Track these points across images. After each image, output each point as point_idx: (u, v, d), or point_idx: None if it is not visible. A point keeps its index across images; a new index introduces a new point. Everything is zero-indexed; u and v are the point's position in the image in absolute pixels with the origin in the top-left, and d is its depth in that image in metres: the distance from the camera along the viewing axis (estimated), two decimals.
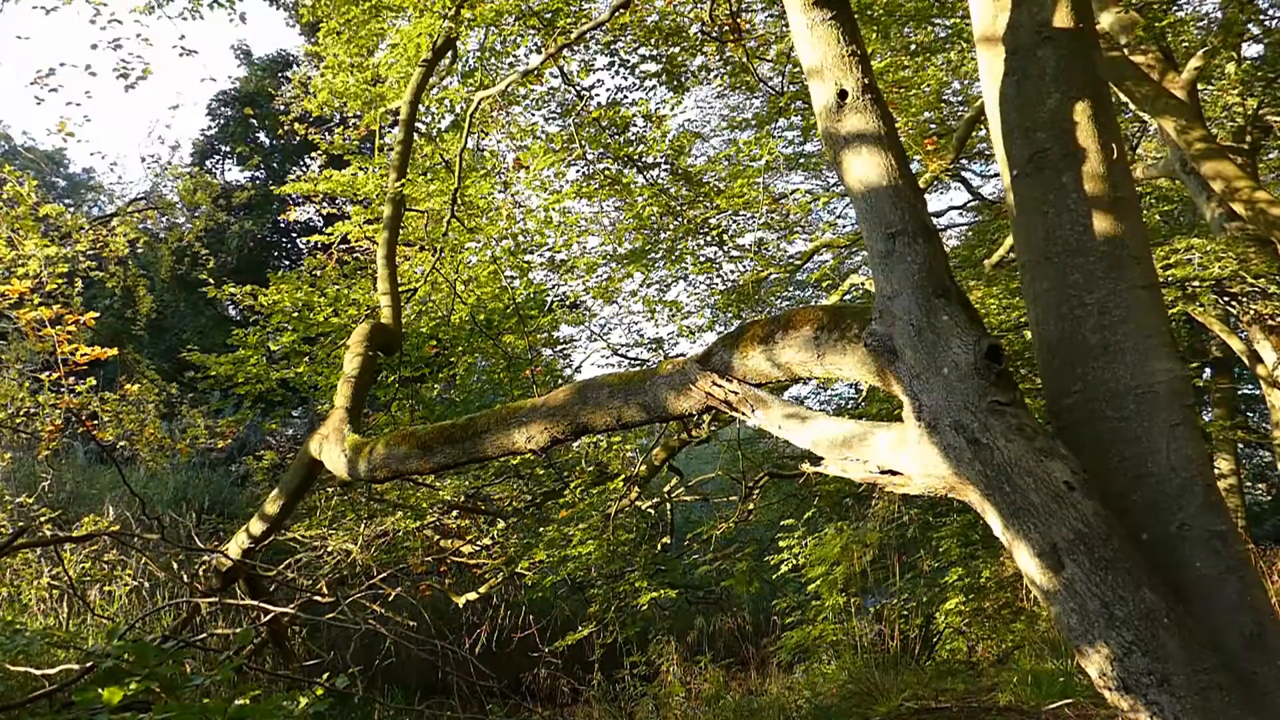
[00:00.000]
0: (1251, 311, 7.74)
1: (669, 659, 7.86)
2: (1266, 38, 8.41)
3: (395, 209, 6.82)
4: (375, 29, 7.93)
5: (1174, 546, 2.31)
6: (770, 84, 7.94)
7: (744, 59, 7.40)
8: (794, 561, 8.33)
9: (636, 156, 8.67)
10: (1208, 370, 12.55)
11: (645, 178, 9.00)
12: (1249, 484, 14.97)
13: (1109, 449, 2.41)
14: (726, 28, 6.84)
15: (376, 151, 9.44)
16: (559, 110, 9.25)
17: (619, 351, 10.32)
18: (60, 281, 7.23)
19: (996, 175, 11.65)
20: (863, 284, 9.43)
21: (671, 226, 9.78)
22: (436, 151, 8.99)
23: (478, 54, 7.92)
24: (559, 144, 8.67)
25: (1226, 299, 7.74)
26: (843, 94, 2.58)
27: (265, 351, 9.35)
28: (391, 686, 8.17)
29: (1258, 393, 11.66)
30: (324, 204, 11.70)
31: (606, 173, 8.92)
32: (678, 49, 7.68)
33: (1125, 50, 6.81)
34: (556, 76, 7.76)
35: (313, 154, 13.51)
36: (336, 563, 7.34)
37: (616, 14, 6.55)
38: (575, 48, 7.14)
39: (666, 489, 9.54)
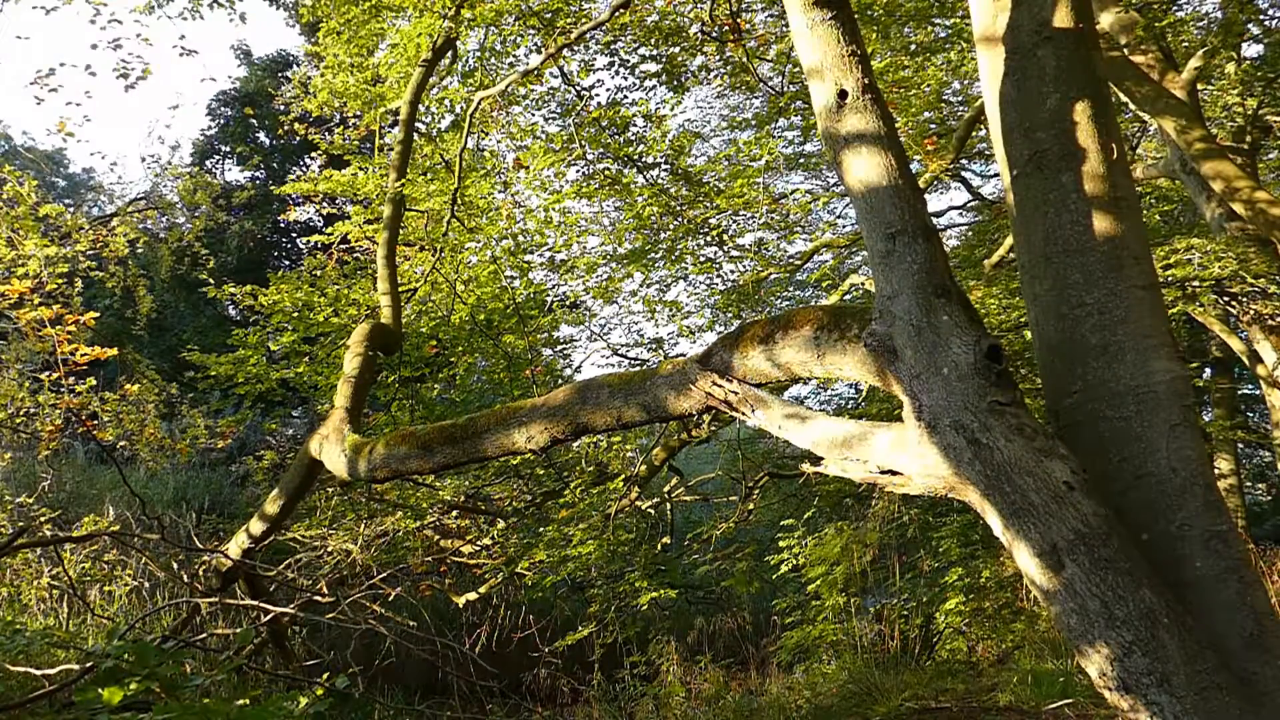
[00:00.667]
0: (1251, 311, 7.74)
1: (669, 659, 7.86)
2: (1266, 38, 8.41)
3: (395, 209, 6.82)
4: (375, 29, 7.93)
5: (1174, 546, 2.31)
6: (770, 84, 7.94)
7: (744, 59, 7.40)
8: (794, 561, 8.33)
9: (636, 156, 8.67)
10: (1208, 370, 12.54)
11: (645, 178, 9.00)
12: (1249, 484, 14.97)
13: (1109, 449, 2.41)
14: (726, 28, 6.84)
15: (376, 151, 9.45)
16: (559, 110, 9.25)
17: (619, 351, 10.33)
18: (60, 281, 7.23)
19: (996, 175, 11.65)
20: (863, 284, 9.43)
21: (671, 226, 9.78)
22: (436, 151, 9.00)
23: (478, 54, 7.92)
24: (559, 144, 8.67)
25: (1226, 299, 7.74)
26: (843, 94, 2.58)
27: (265, 351, 9.36)
28: (391, 686, 8.16)
29: (1258, 393, 11.67)
30: (324, 204, 11.70)
31: (606, 173, 8.92)
32: (678, 49, 7.68)
33: (1125, 50, 6.81)
34: (556, 76, 7.77)
35: (313, 154, 13.53)
36: (336, 563, 7.34)
37: (616, 14, 6.55)
38: (575, 48, 7.14)
39: (666, 489, 9.54)
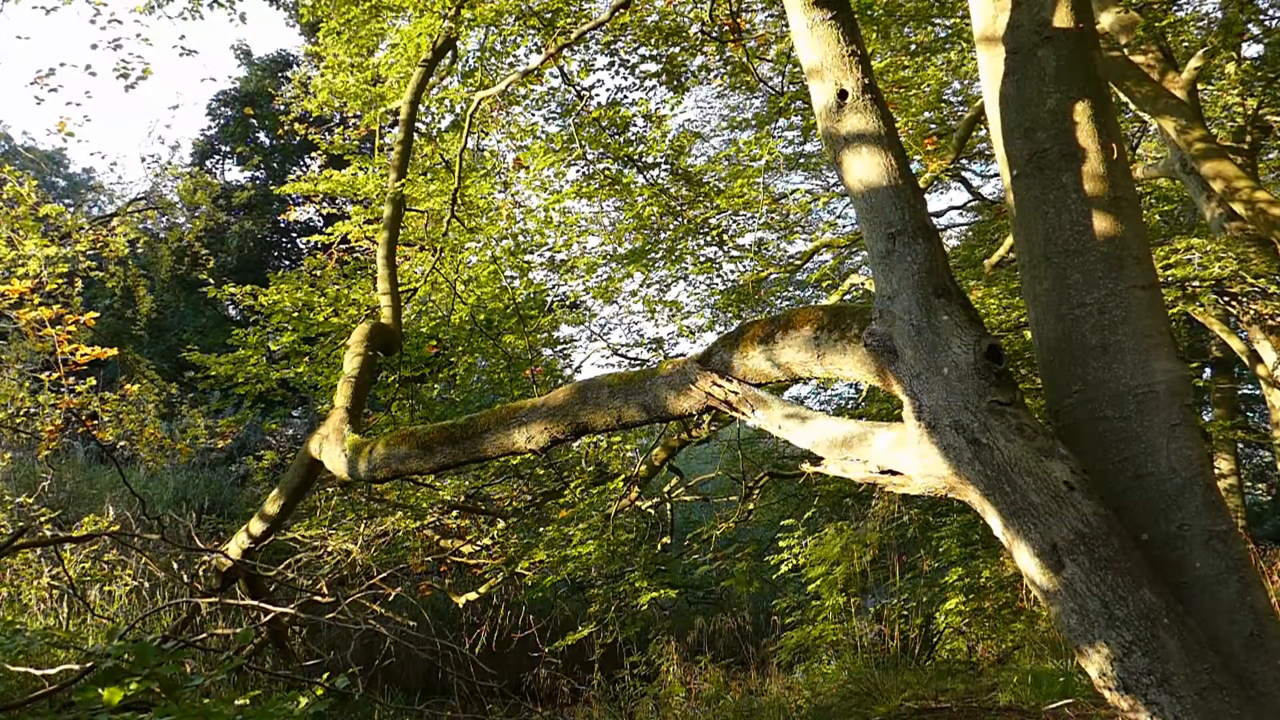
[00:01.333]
0: (1251, 311, 7.74)
1: (669, 659, 7.85)
2: (1266, 38, 8.41)
3: (395, 209, 6.82)
4: (375, 29, 7.93)
5: (1174, 546, 2.31)
6: (770, 84, 7.94)
7: (744, 59, 7.40)
8: (794, 561, 8.32)
9: (636, 156, 8.67)
10: (1208, 370, 12.55)
11: (645, 178, 9.00)
12: (1249, 484, 14.98)
13: (1109, 449, 2.41)
14: (726, 28, 6.84)
15: (376, 151, 9.44)
16: (559, 110, 9.26)
17: (619, 351, 10.33)
18: (60, 281, 7.23)
19: (996, 175, 11.65)
20: (863, 284, 9.43)
21: (671, 226, 9.78)
22: (436, 151, 8.99)
23: (478, 54, 7.92)
24: (559, 144, 8.67)
25: (1226, 299, 7.74)
26: (843, 94, 2.58)
27: (265, 351, 9.35)
28: (391, 686, 8.17)
29: (1258, 393, 11.67)
30: (324, 204, 11.69)
31: (606, 173, 8.92)
32: (678, 49, 7.68)
33: (1125, 50, 6.81)
34: (556, 76, 7.77)
35: (313, 154, 13.53)
36: (336, 563, 7.34)
37: (616, 14, 6.55)
38: (575, 48, 7.14)
39: (666, 489, 9.54)
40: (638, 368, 6.28)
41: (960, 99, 11.10)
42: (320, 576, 7.06)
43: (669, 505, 9.32)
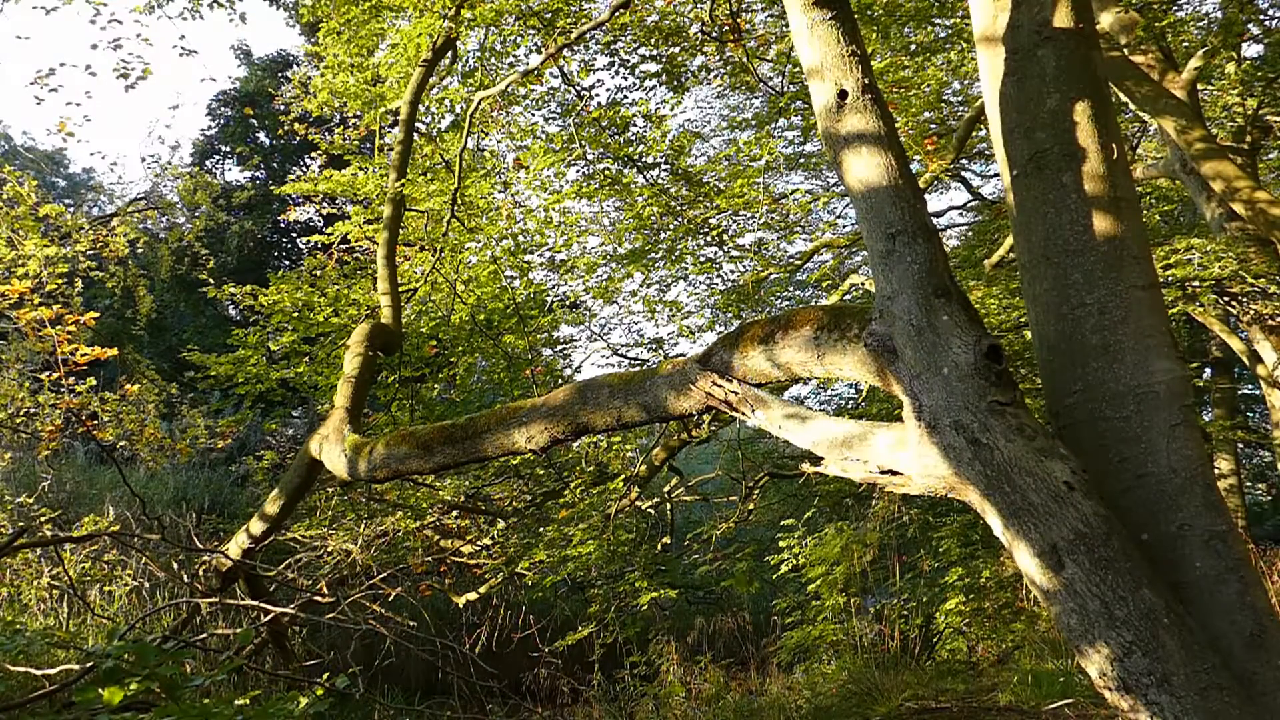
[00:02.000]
0: (1251, 311, 7.74)
1: (669, 659, 7.85)
2: (1266, 38, 8.41)
3: (395, 209, 6.82)
4: (375, 29, 7.93)
5: (1174, 546, 2.31)
6: (770, 84, 7.94)
7: (744, 59, 7.40)
8: (794, 561, 8.33)
9: (636, 156, 8.67)
10: (1208, 370, 12.55)
11: (645, 178, 9.00)
12: (1249, 484, 14.98)
13: (1109, 449, 2.41)
14: (726, 28, 6.84)
15: (376, 151, 9.45)
16: (559, 110, 9.26)
17: (619, 351, 10.34)
18: (60, 281, 7.23)
19: (996, 175, 11.66)
20: (863, 284, 9.43)
21: (671, 226, 9.78)
22: (436, 151, 8.99)
23: (478, 54, 7.92)
24: (559, 144, 8.67)
25: (1226, 299, 7.74)
26: (843, 94, 2.58)
27: (265, 351, 9.35)
28: (391, 686, 8.17)
29: (1258, 393, 11.67)
30: (324, 204, 11.69)
31: (606, 173, 8.92)
32: (678, 49, 7.68)
33: (1125, 50, 6.81)
34: (556, 76, 7.77)
35: (313, 154, 13.54)
36: (336, 563, 7.34)
37: (616, 14, 6.55)
38: (575, 48, 7.14)
39: (666, 489, 9.54)
40: (638, 368, 6.28)
41: (960, 99, 11.11)
42: (320, 576, 7.06)
43: (669, 505, 9.33)
